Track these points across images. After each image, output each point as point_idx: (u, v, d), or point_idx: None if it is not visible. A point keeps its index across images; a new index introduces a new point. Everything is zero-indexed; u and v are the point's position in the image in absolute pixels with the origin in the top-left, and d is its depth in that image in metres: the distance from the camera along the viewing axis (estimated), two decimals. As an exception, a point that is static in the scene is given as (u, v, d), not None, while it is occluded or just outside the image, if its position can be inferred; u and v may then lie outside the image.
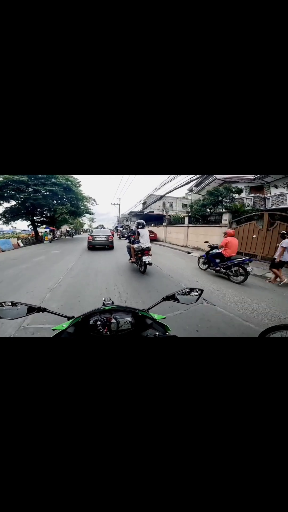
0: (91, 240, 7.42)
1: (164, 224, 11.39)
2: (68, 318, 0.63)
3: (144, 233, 3.63)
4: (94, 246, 7.38)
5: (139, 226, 3.76)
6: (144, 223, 3.89)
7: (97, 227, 15.81)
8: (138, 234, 3.62)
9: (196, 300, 0.68)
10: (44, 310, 0.59)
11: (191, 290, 0.69)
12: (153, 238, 11.98)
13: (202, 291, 0.70)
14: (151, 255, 3.68)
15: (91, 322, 0.58)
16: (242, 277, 3.21)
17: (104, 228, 12.45)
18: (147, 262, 3.45)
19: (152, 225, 14.01)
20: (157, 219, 15.17)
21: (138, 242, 3.60)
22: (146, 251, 3.51)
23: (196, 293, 0.69)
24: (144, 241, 3.55)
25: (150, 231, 11.59)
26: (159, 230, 12.41)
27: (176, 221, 10.47)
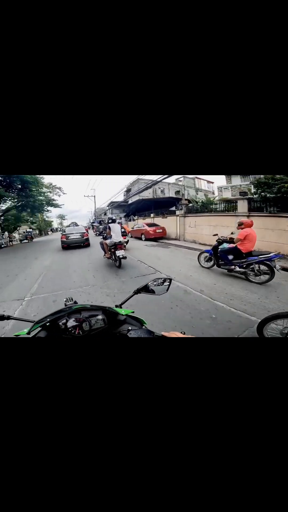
0: (65, 240, 12.34)
1: (179, 212, 13.17)
2: (37, 323, 1.14)
3: (115, 227, 6.69)
4: (68, 245, 12.30)
5: (109, 221, 6.96)
6: (114, 217, 7.12)
7: (69, 225, 19.98)
8: (109, 229, 6.67)
9: (167, 290, 1.32)
10: (8, 318, 1.11)
11: (162, 280, 1.33)
12: (160, 235, 13.68)
13: (171, 280, 1.35)
14: (124, 249, 6.64)
15: (61, 324, 1.06)
16: (267, 276, 4.36)
17: (77, 225, 17.10)
18: (121, 256, 6.38)
19: (152, 215, 16.71)
20: (160, 207, 17.07)
21: (111, 237, 6.63)
22: (118, 245, 6.47)
23: (167, 283, 1.32)
24: (116, 235, 6.57)
25: (155, 225, 14.30)
26: (168, 222, 14.04)
27: (204, 208, 12.00)
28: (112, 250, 6.75)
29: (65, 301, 1.44)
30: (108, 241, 6.82)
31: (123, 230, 8.92)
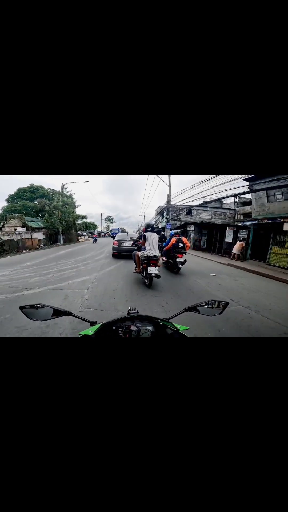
0: (117, 246, 10.74)
1: None
2: (91, 324, 1.26)
3: (152, 238, 5.51)
4: (120, 253, 10.61)
5: (148, 229, 5.78)
6: (155, 226, 5.97)
7: (111, 230, 20.81)
8: (144, 238, 5.52)
9: (220, 313, 1.26)
10: (70, 314, 1.17)
11: (216, 302, 1.27)
12: None
13: (227, 304, 1.28)
14: (159, 265, 5.44)
15: (113, 328, 1.14)
16: None
17: (124, 231, 16.15)
18: (153, 275, 5.23)
19: None
20: None
21: (144, 249, 5.50)
22: (152, 260, 5.31)
23: (222, 306, 1.27)
24: (151, 248, 5.41)
25: None
26: None
27: None
28: (144, 265, 5.56)
29: (129, 309, 1.53)
30: (140, 253, 5.66)
31: (181, 245, 7.43)
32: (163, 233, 14.08)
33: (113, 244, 11.20)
